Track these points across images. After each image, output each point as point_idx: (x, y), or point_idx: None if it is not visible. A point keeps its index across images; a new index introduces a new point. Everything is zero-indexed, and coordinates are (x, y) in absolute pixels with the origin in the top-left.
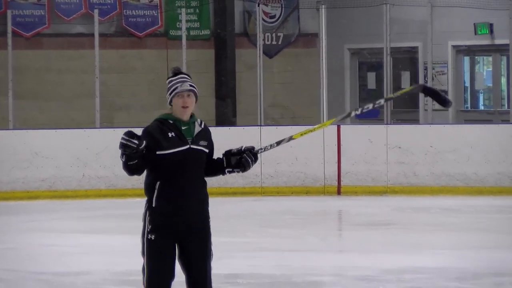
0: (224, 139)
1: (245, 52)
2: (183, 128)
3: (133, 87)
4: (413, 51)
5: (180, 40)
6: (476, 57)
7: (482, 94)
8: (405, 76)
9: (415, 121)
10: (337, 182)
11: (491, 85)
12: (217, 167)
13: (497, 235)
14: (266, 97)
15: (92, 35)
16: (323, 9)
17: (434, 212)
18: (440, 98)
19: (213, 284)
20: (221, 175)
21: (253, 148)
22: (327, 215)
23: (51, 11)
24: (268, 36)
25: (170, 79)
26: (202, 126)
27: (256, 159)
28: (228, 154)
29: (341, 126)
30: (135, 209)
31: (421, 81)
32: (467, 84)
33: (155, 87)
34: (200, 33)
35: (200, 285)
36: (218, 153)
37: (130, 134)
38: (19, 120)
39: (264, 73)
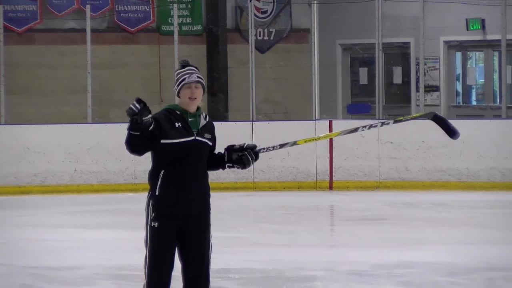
0: (216, 135)
1: (237, 48)
2: (189, 119)
3: (125, 82)
4: (405, 46)
5: (172, 36)
6: (468, 53)
7: (474, 90)
8: (397, 71)
9: None
10: (329, 177)
11: (483, 80)
12: (218, 161)
13: (489, 230)
14: (258, 93)
15: (84, 30)
16: (315, 4)
17: (426, 207)
18: (449, 128)
19: None
20: (220, 170)
21: (255, 146)
22: (319, 210)
23: (43, 7)
24: (260, 31)
25: (178, 71)
26: (207, 119)
27: (257, 158)
28: (230, 149)
29: (333, 121)
30: (127, 204)
31: (413, 76)
32: (459, 79)
33: (147, 82)
34: (192, 29)
35: (196, 275)
36: (218, 148)
37: (138, 100)
38: (11, 115)
39: (256, 69)
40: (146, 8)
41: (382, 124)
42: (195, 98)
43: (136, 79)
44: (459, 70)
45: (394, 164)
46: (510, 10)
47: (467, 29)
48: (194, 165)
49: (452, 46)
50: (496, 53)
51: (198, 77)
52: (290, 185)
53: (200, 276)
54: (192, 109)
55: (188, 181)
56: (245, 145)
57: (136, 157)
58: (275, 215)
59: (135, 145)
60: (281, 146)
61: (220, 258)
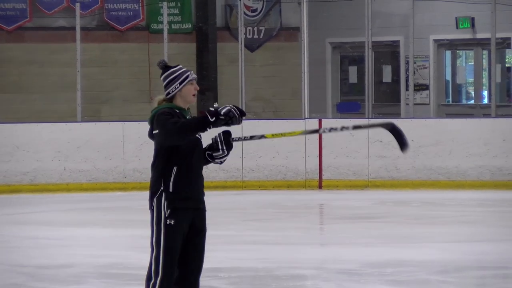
0: (206, 133)
1: (227, 46)
2: (187, 117)
3: (115, 80)
4: (394, 45)
5: (162, 34)
6: (457, 51)
7: (464, 88)
8: (387, 70)
9: (397, 115)
10: (318, 176)
11: (472, 79)
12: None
13: (479, 229)
14: (248, 91)
15: (74, 28)
16: (304, 2)
17: (416, 206)
18: (402, 141)
19: None
20: (209, 163)
21: (228, 132)
22: (309, 209)
23: (32, 5)
24: (249, 29)
25: (174, 69)
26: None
27: (229, 145)
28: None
29: (323, 120)
30: (117, 202)
31: (402, 75)
32: (449, 78)
33: (137, 80)
34: (182, 27)
35: (197, 268)
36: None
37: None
38: (1, 113)
39: (246, 67)
40: (136, 6)
41: (342, 128)
42: (195, 95)
43: (126, 77)
44: (448, 69)
45: (383, 163)
46: (499, 9)
47: (457, 28)
48: (198, 161)
49: (441, 45)
50: (486, 52)
51: None
52: (280, 183)
53: (200, 268)
54: (186, 106)
55: (196, 176)
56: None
57: (126, 156)
58: (265, 213)
59: (188, 135)
60: (251, 137)
61: (210, 257)
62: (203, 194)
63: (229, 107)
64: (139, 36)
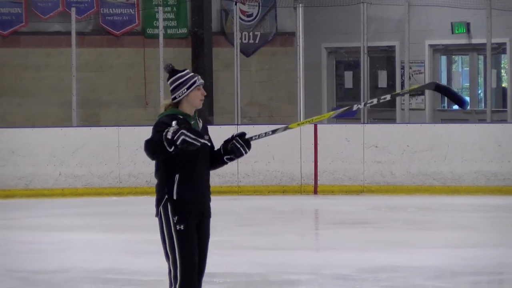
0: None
1: (222, 51)
2: (191, 123)
3: (110, 85)
4: (390, 50)
5: (157, 39)
6: (453, 56)
7: (460, 93)
8: (382, 75)
9: (392, 120)
10: (313, 181)
11: (468, 84)
12: (218, 157)
13: (474, 234)
14: (243, 96)
15: (69, 33)
16: (300, 7)
17: (411, 211)
18: (455, 97)
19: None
20: (224, 166)
21: (243, 134)
22: (304, 214)
23: (28, 10)
24: (245, 34)
25: (181, 74)
26: (201, 121)
27: (247, 144)
28: (224, 143)
29: (318, 125)
30: (112, 207)
31: (398, 80)
32: (444, 83)
33: (133, 85)
34: (177, 32)
35: (202, 269)
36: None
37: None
38: None
39: (241, 72)
40: (132, 11)
41: (379, 100)
42: (202, 100)
43: (121, 81)
44: (444, 74)
45: (378, 168)
46: (495, 14)
47: (452, 33)
48: (202, 166)
49: (437, 50)
50: (481, 57)
51: None
52: (275, 189)
53: (203, 271)
54: (192, 111)
55: (200, 181)
56: (234, 135)
57: (121, 161)
58: (260, 218)
59: (160, 155)
60: (273, 132)
61: None
62: (209, 199)
63: (183, 137)
64: (135, 40)
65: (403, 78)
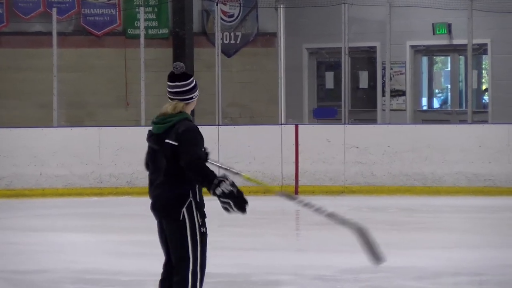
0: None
1: (204, 51)
2: None
3: (91, 85)
4: (371, 51)
5: (139, 39)
6: (434, 57)
7: (441, 94)
8: (363, 76)
9: (373, 121)
10: (294, 182)
11: (449, 85)
12: None
13: (455, 235)
14: (225, 96)
15: (51, 33)
16: (281, 8)
17: (392, 212)
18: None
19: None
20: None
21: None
22: (285, 215)
23: (9, 10)
24: (226, 35)
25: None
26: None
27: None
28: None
29: (299, 125)
30: (93, 207)
31: (379, 80)
32: (425, 84)
33: (114, 85)
34: (159, 32)
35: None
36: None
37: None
38: None
39: (223, 72)
40: (113, 11)
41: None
42: None
43: (103, 82)
44: (425, 75)
45: (359, 169)
46: (476, 15)
47: (434, 34)
48: None
49: (418, 51)
50: (462, 58)
51: None
52: (256, 189)
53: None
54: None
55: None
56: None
57: (102, 161)
58: (241, 219)
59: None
60: (228, 169)
61: None
62: None
63: (229, 201)
64: (116, 41)
65: (384, 79)
